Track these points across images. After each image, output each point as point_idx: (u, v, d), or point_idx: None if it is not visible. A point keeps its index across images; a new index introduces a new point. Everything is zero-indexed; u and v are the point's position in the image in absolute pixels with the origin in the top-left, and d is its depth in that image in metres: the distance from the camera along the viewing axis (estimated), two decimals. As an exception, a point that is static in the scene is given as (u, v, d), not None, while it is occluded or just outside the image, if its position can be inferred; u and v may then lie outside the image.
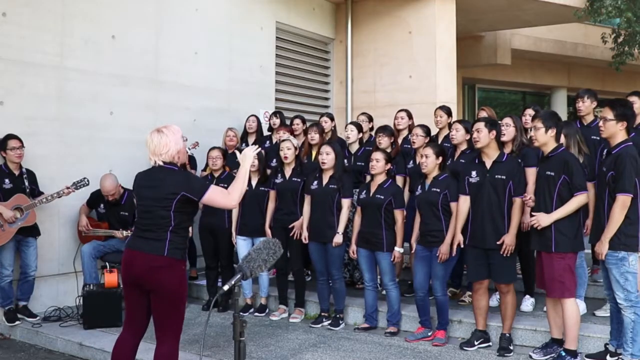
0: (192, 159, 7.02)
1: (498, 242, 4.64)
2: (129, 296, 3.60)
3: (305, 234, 5.66)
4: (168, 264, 3.45)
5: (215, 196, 3.51)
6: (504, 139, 5.19)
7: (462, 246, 4.87)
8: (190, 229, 6.35)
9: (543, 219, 4.33)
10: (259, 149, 3.75)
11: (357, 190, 5.94)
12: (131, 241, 3.61)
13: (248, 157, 3.65)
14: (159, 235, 3.46)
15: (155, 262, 3.44)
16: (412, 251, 5.30)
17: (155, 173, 3.57)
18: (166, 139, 3.55)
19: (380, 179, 5.37)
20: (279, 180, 5.91)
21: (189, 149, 7.01)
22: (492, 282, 5.04)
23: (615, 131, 4.24)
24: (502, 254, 4.64)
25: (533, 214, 4.43)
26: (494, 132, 4.76)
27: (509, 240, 4.62)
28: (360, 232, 5.44)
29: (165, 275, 3.44)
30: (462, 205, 4.90)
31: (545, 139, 4.43)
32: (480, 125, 4.78)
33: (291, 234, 5.76)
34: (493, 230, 4.69)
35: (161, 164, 3.54)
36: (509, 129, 5.27)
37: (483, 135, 4.75)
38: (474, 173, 4.84)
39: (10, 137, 5.70)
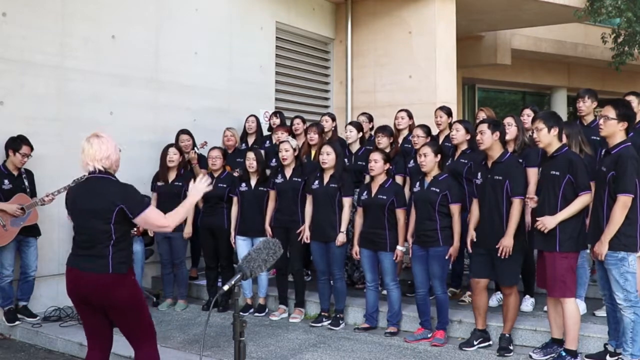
0: (202, 158, 6.98)
1: (497, 246, 4.64)
2: (84, 315, 3.47)
3: (307, 233, 5.67)
4: (115, 281, 3.33)
5: (151, 216, 3.38)
6: (505, 138, 5.19)
7: (474, 240, 4.85)
8: (190, 229, 6.33)
9: (549, 222, 4.32)
10: (210, 185, 3.62)
11: (357, 190, 5.95)
12: (72, 259, 3.44)
13: (199, 191, 3.52)
14: (101, 252, 3.31)
15: (101, 281, 3.31)
16: (411, 247, 5.30)
17: (92, 184, 3.40)
18: (107, 145, 3.42)
19: (381, 179, 5.38)
20: (279, 180, 5.91)
21: (198, 148, 6.99)
22: (492, 282, 5.04)
23: (615, 131, 4.22)
24: (501, 256, 4.63)
25: (538, 219, 4.41)
26: (498, 133, 4.75)
27: (505, 242, 4.60)
28: (363, 232, 5.44)
29: (114, 292, 3.32)
30: (474, 208, 4.93)
31: (548, 139, 4.43)
32: (484, 126, 4.77)
33: (299, 239, 5.76)
34: (492, 231, 4.70)
35: (100, 168, 3.39)
36: (510, 129, 5.28)
37: (486, 137, 4.74)
38: (479, 174, 4.86)
39: (25, 141, 5.68)
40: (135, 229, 5.86)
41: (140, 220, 3.38)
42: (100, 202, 3.33)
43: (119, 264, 3.34)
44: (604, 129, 4.26)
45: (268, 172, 6.16)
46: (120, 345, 3.73)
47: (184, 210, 3.48)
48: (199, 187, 3.52)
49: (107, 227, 3.31)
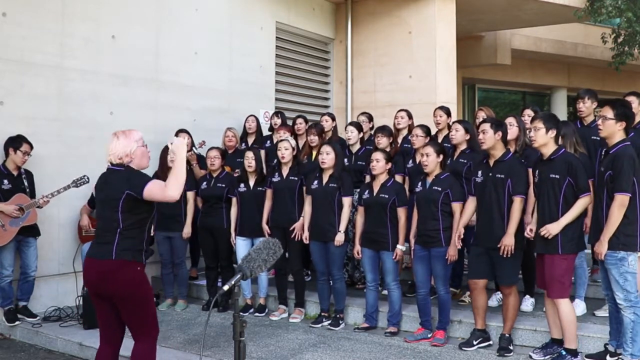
0: (201, 159, 6.97)
1: (498, 245, 4.64)
2: (97, 305, 3.54)
3: (306, 234, 5.67)
4: (117, 267, 3.39)
5: (153, 189, 3.38)
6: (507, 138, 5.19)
7: (462, 236, 4.87)
8: (190, 229, 6.32)
9: (553, 228, 4.32)
10: (188, 139, 3.65)
11: (358, 190, 5.95)
12: (89, 249, 3.65)
13: (180, 146, 3.47)
14: (107, 239, 3.43)
15: (104, 267, 3.39)
16: (412, 248, 5.30)
17: (108, 175, 3.59)
18: (115, 142, 3.56)
19: (383, 178, 5.38)
20: (276, 178, 5.91)
21: (196, 148, 6.99)
22: (492, 282, 5.04)
23: (614, 131, 4.23)
24: (502, 255, 4.63)
25: (541, 229, 4.39)
26: (500, 133, 4.75)
27: (507, 240, 4.61)
28: (365, 232, 5.44)
29: (117, 278, 3.38)
30: (469, 205, 4.93)
31: (545, 139, 4.42)
32: (486, 126, 4.77)
33: (292, 236, 5.76)
34: (492, 229, 4.70)
35: (115, 162, 3.55)
36: (512, 129, 5.27)
37: (489, 137, 4.74)
38: (479, 173, 4.86)
39: (24, 139, 5.70)
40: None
41: (146, 195, 3.40)
42: (109, 191, 3.49)
43: (123, 250, 3.42)
44: (603, 130, 4.27)
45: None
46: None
47: (176, 174, 3.38)
48: (177, 143, 3.49)
49: (115, 216, 3.44)
